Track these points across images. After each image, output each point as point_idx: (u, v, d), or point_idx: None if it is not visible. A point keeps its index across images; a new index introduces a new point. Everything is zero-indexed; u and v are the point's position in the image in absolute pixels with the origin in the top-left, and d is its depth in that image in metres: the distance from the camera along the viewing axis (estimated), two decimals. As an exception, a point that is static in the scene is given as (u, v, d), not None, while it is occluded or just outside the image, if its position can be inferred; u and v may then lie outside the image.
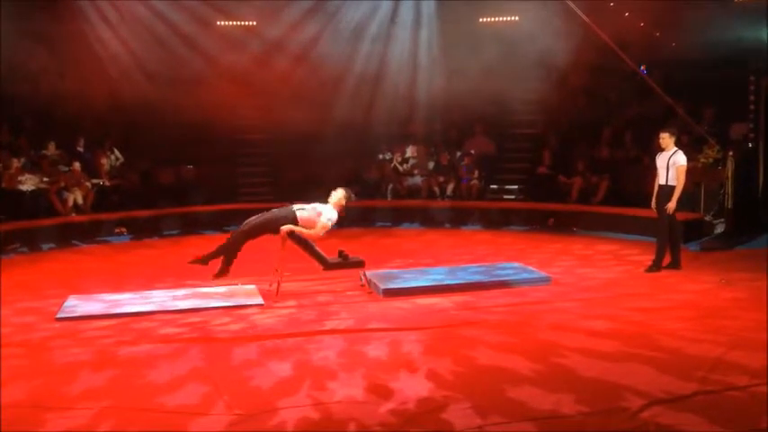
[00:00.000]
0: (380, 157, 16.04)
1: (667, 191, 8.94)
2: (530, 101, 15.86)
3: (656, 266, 8.97)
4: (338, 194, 8.06)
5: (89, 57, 14.49)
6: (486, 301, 7.57)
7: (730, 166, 11.52)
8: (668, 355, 5.60)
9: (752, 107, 12.16)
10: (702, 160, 12.45)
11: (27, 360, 5.79)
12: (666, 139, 9.06)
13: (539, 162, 14.84)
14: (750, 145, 12.19)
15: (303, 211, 7.91)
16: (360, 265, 8.25)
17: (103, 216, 13.06)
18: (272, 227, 7.81)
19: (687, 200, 11.82)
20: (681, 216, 11.35)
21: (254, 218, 7.92)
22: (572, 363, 5.47)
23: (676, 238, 9.18)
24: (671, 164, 8.93)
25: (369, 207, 14.38)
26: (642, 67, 12.59)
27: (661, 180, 9.05)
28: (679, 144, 9.55)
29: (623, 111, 15.03)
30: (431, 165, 15.65)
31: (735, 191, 11.51)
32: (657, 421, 4.35)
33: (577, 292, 7.96)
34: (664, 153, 9.07)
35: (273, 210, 8.02)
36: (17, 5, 13.15)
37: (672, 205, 8.83)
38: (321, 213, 7.84)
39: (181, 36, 14.95)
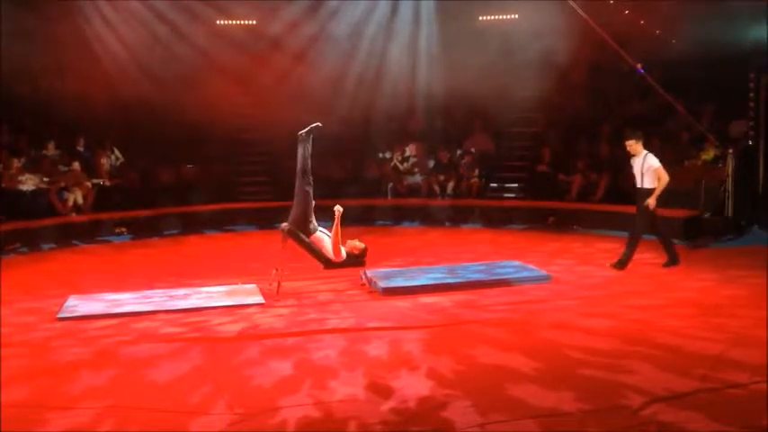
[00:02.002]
0: (380, 155, 16.05)
1: (644, 194, 8.96)
2: (529, 99, 15.84)
3: (622, 264, 8.99)
4: (358, 244, 8.09)
5: (89, 56, 14.49)
6: (486, 299, 7.58)
7: (730, 163, 11.52)
8: (668, 353, 5.60)
9: (752, 105, 12.16)
10: (704, 157, 12.46)
11: (28, 360, 5.79)
12: (633, 145, 9.02)
13: (539, 160, 14.84)
14: (750, 143, 12.19)
15: (323, 234, 8.01)
16: (360, 263, 8.25)
17: (104, 216, 13.06)
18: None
19: (687, 198, 11.86)
20: (681, 214, 11.42)
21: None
22: (572, 361, 5.47)
23: (665, 235, 9.17)
24: (645, 169, 8.92)
25: (369, 206, 14.38)
26: (639, 66, 12.56)
27: (638, 184, 9.06)
28: (648, 146, 9.54)
29: (623, 108, 15.03)
30: (431, 163, 15.65)
31: (735, 188, 11.51)
32: (658, 419, 4.35)
33: (577, 291, 7.97)
34: (635, 159, 9.05)
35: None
36: (17, 5, 13.14)
37: (652, 201, 8.86)
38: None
39: (180, 35, 14.95)
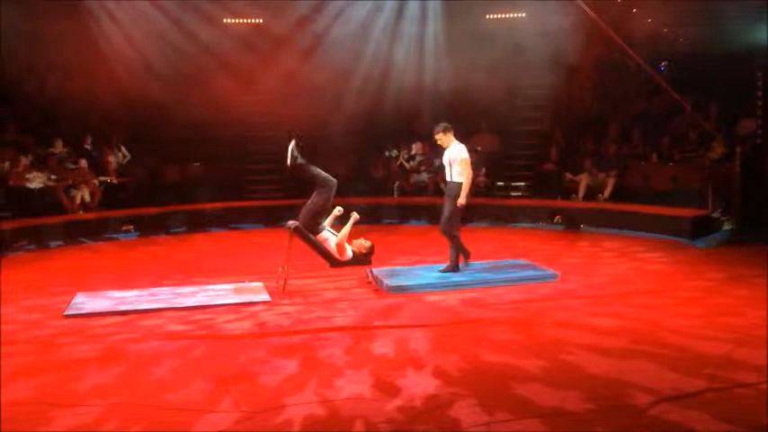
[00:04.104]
0: (387, 153, 16.02)
1: (453, 187, 8.43)
2: (536, 97, 15.83)
3: (452, 265, 8.55)
4: (365, 242, 8.17)
5: (96, 55, 14.53)
6: (492, 297, 7.57)
7: (738, 162, 11.45)
8: (675, 353, 5.58)
9: (760, 103, 12.09)
10: (711, 156, 12.40)
11: (35, 357, 5.81)
12: (441, 138, 8.55)
13: (545, 159, 14.81)
14: (758, 141, 12.13)
15: (330, 233, 8.04)
16: (366, 261, 8.26)
17: (111, 213, 13.10)
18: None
19: (695, 197, 11.79)
20: (689, 212, 11.38)
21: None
22: (579, 360, 5.46)
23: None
24: (452, 159, 8.43)
25: (375, 204, 14.36)
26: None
27: (447, 177, 8.59)
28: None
29: (630, 107, 14.99)
30: (437, 162, 15.61)
31: (743, 187, 11.44)
32: (665, 418, 4.33)
33: (584, 289, 7.95)
34: (446, 150, 8.58)
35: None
36: (24, 4, 13.19)
37: (462, 201, 8.28)
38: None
39: (188, 34, 14.97)
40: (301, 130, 8.15)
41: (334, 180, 7.99)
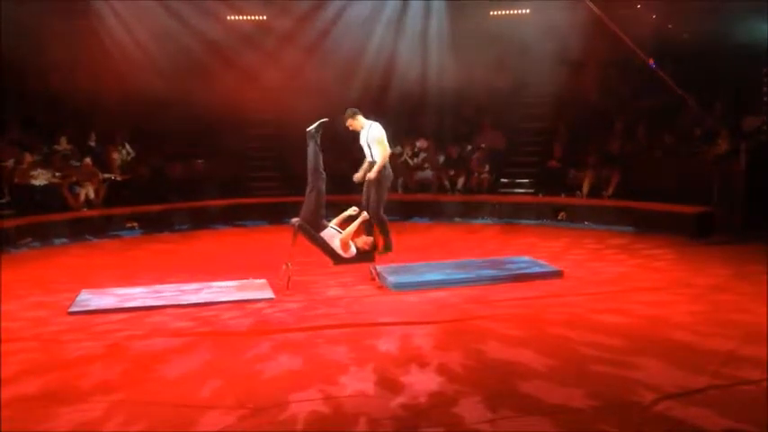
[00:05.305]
0: (390, 150, 15.97)
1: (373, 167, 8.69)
2: (540, 94, 15.79)
3: (387, 248, 8.71)
4: (369, 239, 8.26)
5: (100, 52, 14.55)
6: (496, 294, 7.56)
7: (743, 158, 11.42)
8: (680, 349, 5.57)
9: (765, 99, 12.06)
10: (715, 152, 12.36)
11: (40, 354, 5.82)
12: (352, 123, 8.77)
13: (549, 156, 14.78)
14: (764, 137, 12.08)
15: (334, 230, 8.07)
16: (370, 258, 8.26)
17: (115, 210, 13.12)
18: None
19: (699, 193, 11.74)
20: (692, 209, 11.35)
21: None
22: (583, 356, 5.45)
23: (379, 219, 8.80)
24: (370, 140, 8.65)
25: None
26: (651, 61, 12.46)
27: (368, 158, 8.76)
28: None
29: (634, 103, 14.94)
30: (441, 158, 15.61)
31: (748, 183, 11.41)
32: (669, 415, 4.33)
33: (588, 286, 7.93)
34: (361, 132, 8.77)
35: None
36: (28, 1, 13.20)
37: (372, 175, 8.44)
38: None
39: (191, 31, 14.98)
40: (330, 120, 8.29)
41: (324, 174, 8.05)
